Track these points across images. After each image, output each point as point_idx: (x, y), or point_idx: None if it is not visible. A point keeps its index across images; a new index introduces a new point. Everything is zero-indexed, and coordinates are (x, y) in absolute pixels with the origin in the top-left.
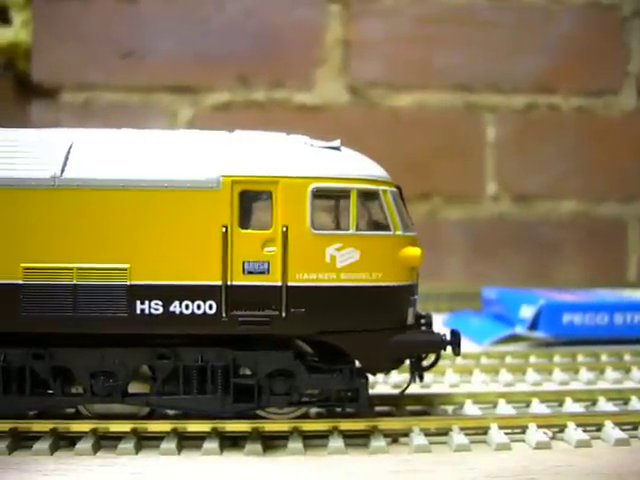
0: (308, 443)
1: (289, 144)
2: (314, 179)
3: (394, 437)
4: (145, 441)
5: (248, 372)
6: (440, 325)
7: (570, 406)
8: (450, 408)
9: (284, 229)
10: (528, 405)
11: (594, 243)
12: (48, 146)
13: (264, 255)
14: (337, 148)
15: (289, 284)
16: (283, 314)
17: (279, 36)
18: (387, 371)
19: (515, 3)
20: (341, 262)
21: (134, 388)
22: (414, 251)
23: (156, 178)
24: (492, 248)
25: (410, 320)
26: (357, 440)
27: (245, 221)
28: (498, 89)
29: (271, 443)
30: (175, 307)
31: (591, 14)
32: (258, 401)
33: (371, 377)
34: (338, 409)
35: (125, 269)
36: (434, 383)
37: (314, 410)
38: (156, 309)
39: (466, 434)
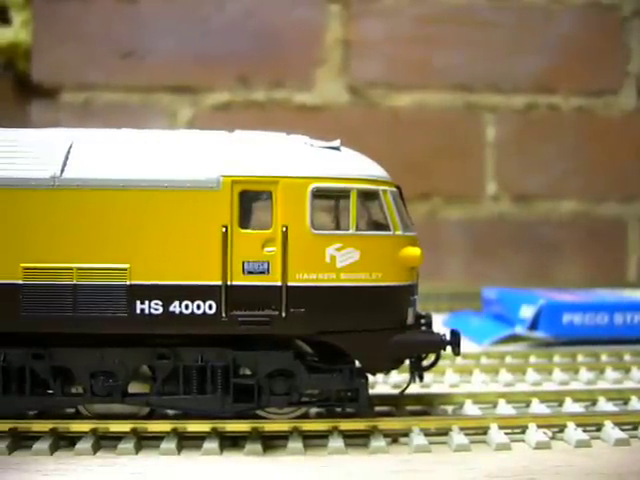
0: (308, 443)
1: (289, 144)
2: (314, 179)
3: (394, 437)
4: (145, 441)
5: (248, 372)
6: (440, 325)
7: (570, 406)
8: (450, 408)
9: (284, 229)
10: (528, 405)
11: (594, 243)
12: (48, 146)
13: (264, 255)
14: (337, 148)
15: (289, 284)
16: (283, 314)
17: (279, 36)
18: (387, 371)
19: (515, 3)
20: (341, 262)
21: (134, 388)
22: (414, 251)
23: (156, 178)
24: (492, 248)
25: (410, 320)
26: (357, 440)
27: (245, 221)
28: (498, 89)
29: (271, 443)
30: (175, 307)
31: (591, 14)
32: (258, 401)
33: (371, 377)
34: (338, 409)
35: (125, 269)
36: (434, 383)
37: (314, 410)
38: (156, 309)
39: (466, 434)
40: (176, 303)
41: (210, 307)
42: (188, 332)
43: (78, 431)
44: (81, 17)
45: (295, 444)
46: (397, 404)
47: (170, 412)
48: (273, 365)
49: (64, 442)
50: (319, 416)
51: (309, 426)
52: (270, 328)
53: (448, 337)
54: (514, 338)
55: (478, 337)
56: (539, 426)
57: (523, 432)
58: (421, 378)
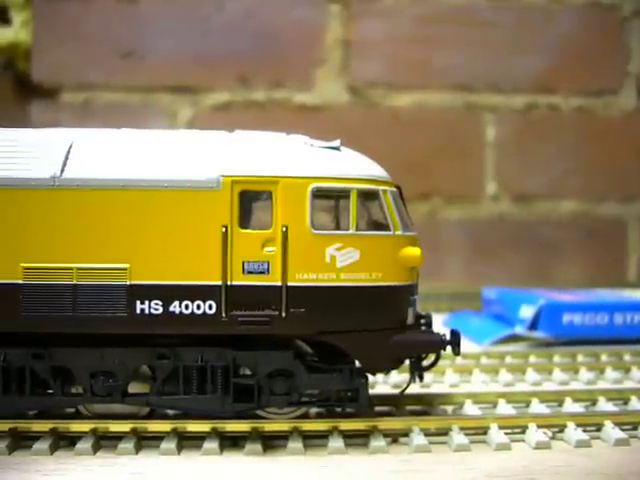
0: (308, 443)
1: (289, 144)
2: (314, 179)
3: (394, 437)
4: (145, 441)
5: (248, 372)
6: (440, 325)
7: (570, 406)
8: (450, 408)
9: (284, 229)
10: (528, 405)
11: (594, 243)
12: (48, 146)
13: (264, 255)
14: (337, 148)
15: (289, 284)
16: (283, 314)
17: (279, 36)
18: (387, 371)
19: (515, 3)
20: (341, 262)
21: (134, 388)
22: (414, 251)
23: (156, 178)
24: (492, 248)
25: (410, 320)
26: (357, 440)
27: (245, 221)
28: (498, 89)
29: (271, 443)
30: (175, 307)
31: (591, 14)
32: (258, 401)
33: (371, 377)
34: (338, 409)
35: (125, 269)
36: (434, 383)
37: (314, 410)
38: (156, 309)
39: (466, 434)
40: (176, 303)
41: (210, 307)
42: (188, 332)
43: (78, 431)
44: (81, 17)
45: (295, 444)
46: (397, 404)
47: (170, 412)
48: (273, 365)
49: (64, 442)
50: (319, 416)
51: (309, 426)
52: (270, 328)
53: (448, 337)
54: (514, 338)
55: (478, 337)
56: (539, 426)
57: (523, 432)
58: (421, 378)
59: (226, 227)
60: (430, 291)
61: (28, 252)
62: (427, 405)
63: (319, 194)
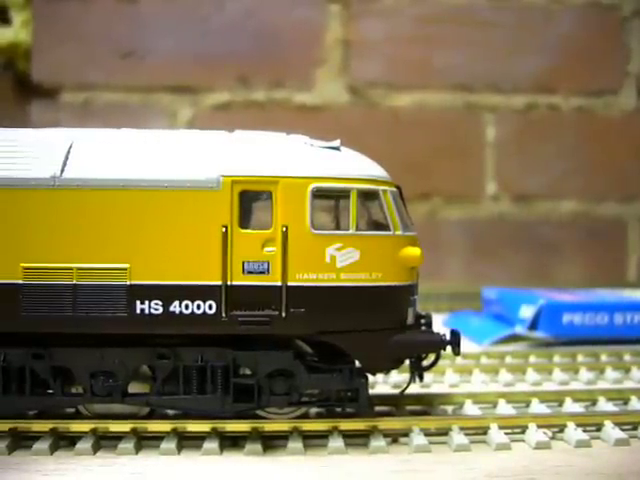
0: (308, 443)
1: (289, 144)
2: (314, 179)
3: (394, 437)
4: (145, 441)
5: (248, 372)
6: (440, 325)
7: (570, 406)
8: (450, 408)
9: (284, 229)
10: (528, 405)
11: (594, 243)
12: (48, 146)
13: (264, 255)
14: (337, 148)
15: (289, 284)
16: (283, 314)
17: (279, 36)
18: (387, 371)
19: (515, 3)
20: (341, 262)
21: (134, 388)
22: (414, 251)
23: (156, 178)
24: (492, 248)
25: (410, 320)
26: (357, 440)
27: (245, 221)
28: (498, 89)
29: (271, 443)
30: (175, 307)
31: (591, 14)
32: (258, 401)
33: (371, 377)
34: (338, 409)
35: (125, 269)
36: (434, 383)
37: (314, 410)
38: (156, 309)
39: (466, 434)
40: (176, 303)
41: (210, 307)
42: (188, 332)
43: (78, 431)
44: (81, 17)
45: (295, 444)
46: (397, 404)
47: (170, 412)
48: (273, 365)
49: (64, 442)
50: (319, 416)
51: (309, 426)
52: (270, 328)
53: (448, 337)
54: (514, 338)
55: (478, 337)
56: (539, 426)
57: (523, 432)
58: (421, 378)
59: (226, 227)
60: (430, 291)
61: (28, 252)
62: (427, 405)
63: (319, 194)
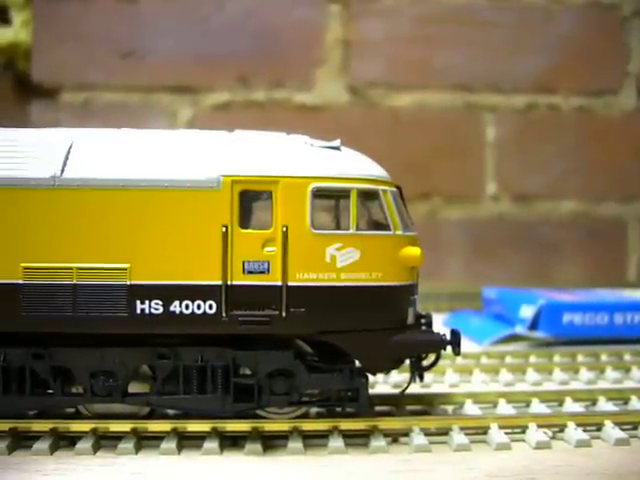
0: (308, 443)
1: (289, 144)
2: (314, 179)
3: (394, 437)
4: (145, 441)
5: (248, 372)
6: (440, 325)
7: (570, 406)
8: (450, 408)
9: (284, 229)
10: (528, 405)
11: (594, 243)
12: (48, 146)
13: (264, 255)
14: (337, 148)
15: (289, 284)
16: (283, 314)
17: (279, 36)
18: (387, 371)
19: (515, 3)
20: (341, 262)
21: (134, 388)
22: (414, 251)
23: (156, 178)
24: (492, 248)
25: (410, 320)
26: (357, 440)
27: (245, 221)
28: (498, 89)
29: (271, 443)
30: (175, 307)
31: (591, 14)
32: (258, 401)
33: (371, 377)
34: (338, 409)
35: (125, 269)
36: (434, 383)
37: (314, 410)
38: (156, 309)
39: (466, 434)
40: (176, 303)
41: (210, 307)
42: (188, 332)
43: (78, 431)
44: (81, 17)
45: (295, 444)
46: (397, 404)
47: (170, 412)
48: (273, 365)
49: (64, 442)
50: (319, 416)
51: (309, 426)
52: (270, 328)
53: (448, 337)
54: (514, 338)
55: (478, 337)
56: (539, 426)
57: (523, 432)
58: (421, 378)
59: (226, 227)
60: (430, 291)
61: (28, 252)
62: (427, 405)
63: (319, 194)
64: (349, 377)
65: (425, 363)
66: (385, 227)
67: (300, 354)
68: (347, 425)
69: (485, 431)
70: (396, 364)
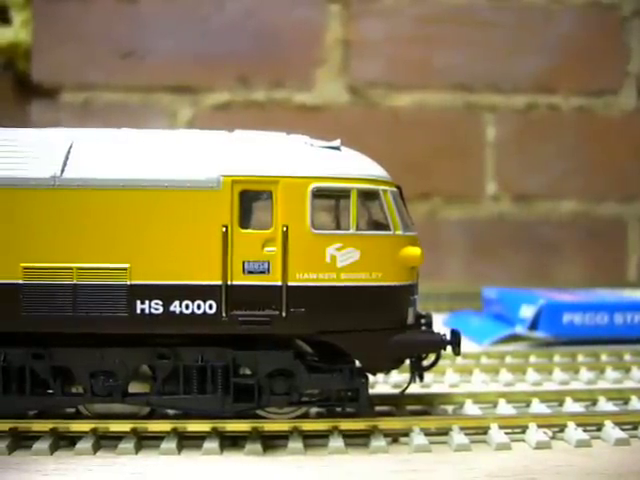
0: (308, 443)
1: (289, 144)
2: (314, 179)
3: (394, 437)
4: (145, 441)
5: (248, 372)
6: (440, 325)
7: (570, 406)
8: (450, 408)
9: (284, 229)
10: (528, 405)
11: (594, 243)
12: (48, 146)
13: (264, 255)
14: (337, 148)
15: (289, 284)
16: (283, 314)
17: (279, 36)
18: (387, 371)
19: (515, 3)
20: (341, 262)
21: (134, 388)
22: (414, 251)
23: (156, 178)
24: (492, 248)
25: (410, 320)
26: (357, 440)
27: (245, 221)
28: (498, 89)
29: (271, 443)
30: (175, 307)
31: (591, 14)
32: (258, 401)
33: (371, 377)
34: (338, 409)
35: (125, 269)
36: (434, 383)
37: (314, 410)
38: (156, 309)
39: (466, 434)
40: (176, 303)
41: (210, 307)
42: (188, 332)
43: (78, 431)
44: (81, 17)
45: (295, 444)
46: (397, 404)
47: (170, 412)
48: (273, 365)
49: (64, 442)
50: (319, 416)
51: (309, 426)
52: (270, 328)
53: (448, 337)
54: (514, 338)
55: (478, 337)
56: (539, 426)
57: (523, 432)
58: (421, 378)
59: (226, 227)
60: (430, 291)
61: (28, 252)
62: (427, 405)
63: (319, 194)
64: (349, 377)
65: (425, 363)
66: (385, 227)
67: (300, 354)
68: (347, 425)
69: (485, 431)
70: (396, 364)
